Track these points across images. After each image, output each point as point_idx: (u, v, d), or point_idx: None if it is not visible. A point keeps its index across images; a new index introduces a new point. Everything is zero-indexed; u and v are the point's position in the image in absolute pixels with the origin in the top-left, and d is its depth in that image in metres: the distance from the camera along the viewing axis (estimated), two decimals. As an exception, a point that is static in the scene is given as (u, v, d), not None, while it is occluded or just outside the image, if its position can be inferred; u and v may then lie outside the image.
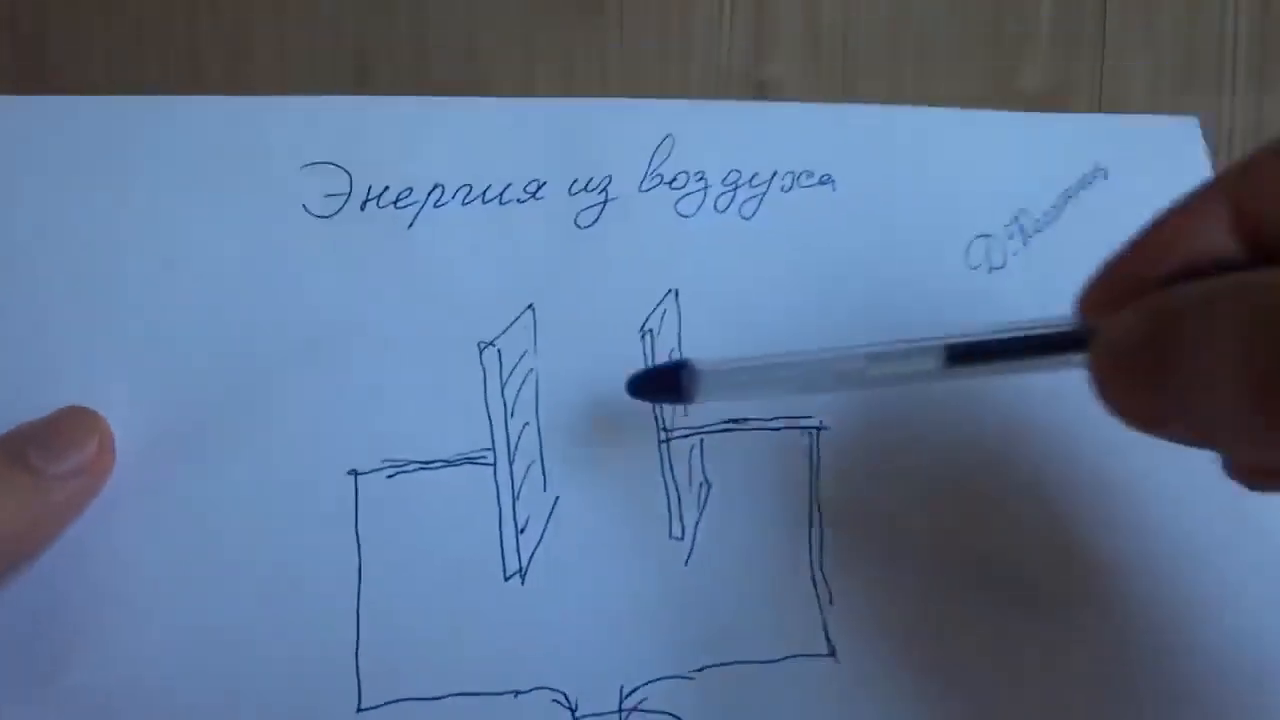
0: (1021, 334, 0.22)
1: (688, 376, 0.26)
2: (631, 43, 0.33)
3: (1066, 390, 0.32)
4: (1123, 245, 0.22)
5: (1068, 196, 0.34)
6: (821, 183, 0.33)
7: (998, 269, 0.33)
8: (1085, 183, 0.35)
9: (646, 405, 0.30)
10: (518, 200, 0.31)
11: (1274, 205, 0.20)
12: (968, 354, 0.23)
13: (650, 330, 0.31)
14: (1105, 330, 0.20)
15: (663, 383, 0.27)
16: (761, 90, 0.34)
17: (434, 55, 0.32)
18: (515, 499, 0.29)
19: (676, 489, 0.30)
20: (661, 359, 0.31)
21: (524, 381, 0.30)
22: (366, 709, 0.27)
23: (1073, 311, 0.23)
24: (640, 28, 0.33)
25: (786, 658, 0.29)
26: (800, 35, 0.34)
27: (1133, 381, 0.20)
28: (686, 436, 0.30)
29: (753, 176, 0.33)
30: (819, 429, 0.31)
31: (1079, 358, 0.21)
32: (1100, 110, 0.36)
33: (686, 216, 0.32)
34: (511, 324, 0.30)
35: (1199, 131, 0.36)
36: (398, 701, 0.27)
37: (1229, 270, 0.19)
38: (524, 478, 0.29)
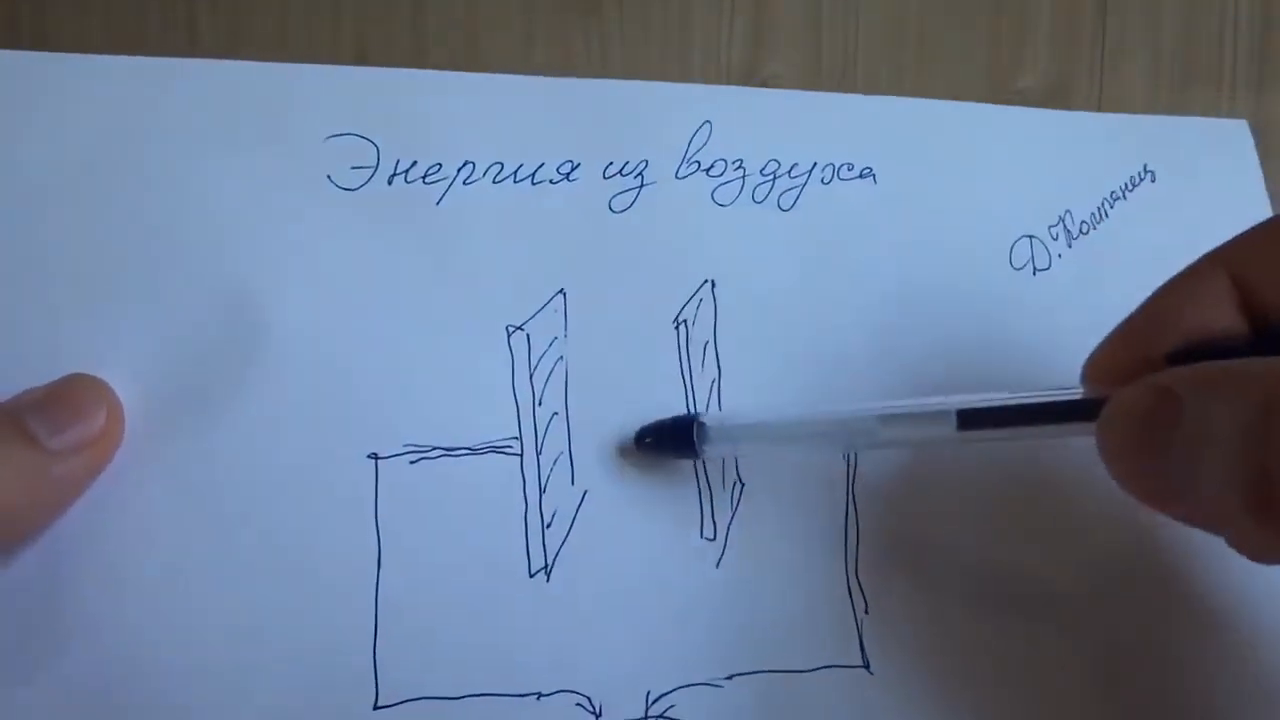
0: (1033, 401, 0.22)
1: (698, 431, 0.26)
2: (631, 42, 0.32)
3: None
4: (1129, 316, 0.22)
5: (1115, 198, 0.33)
6: (862, 176, 0.32)
7: (1043, 271, 0.32)
8: (1132, 185, 0.34)
9: (679, 399, 0.29)
10: (550, 181, 0.30)
11: (1271, 281, 0.20)
12: (980, 419, 0.23)
13: (684, 321, 0.30)
14: (1110, 405, 0.20)
15: (672, 435, 0.27)
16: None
17: (434, 54, 0.31)
18: (542, 492, 0.28)
19: (709, 488, 0.29)
20: (696, 351, 0.30)
21: (553, 369, 0.29)
22: (383, 707, 0.25)
23: (1081, 379, 0.23)
24: (640, 26, 0.32)
25: (819, 668, 0.28)
26: (800, 34, 0.33)
27: (1134, 458, 0.20)
28: (720, 433, 0.29)
29: (792, 167, 0.32)
30: (856, 430, 0.30)
31: (1089, 426, 0.21)
32: (1099, 110, 0.35)
33: (723, 205, 0.31)
34: (542, 308, 0.29)
35: (1249, 134, 0.35)
36: (416, 700, 0.26)
37: (1233, 348, 0.19)
38: (551, 470, 0.28)
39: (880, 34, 0.34)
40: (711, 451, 0.27)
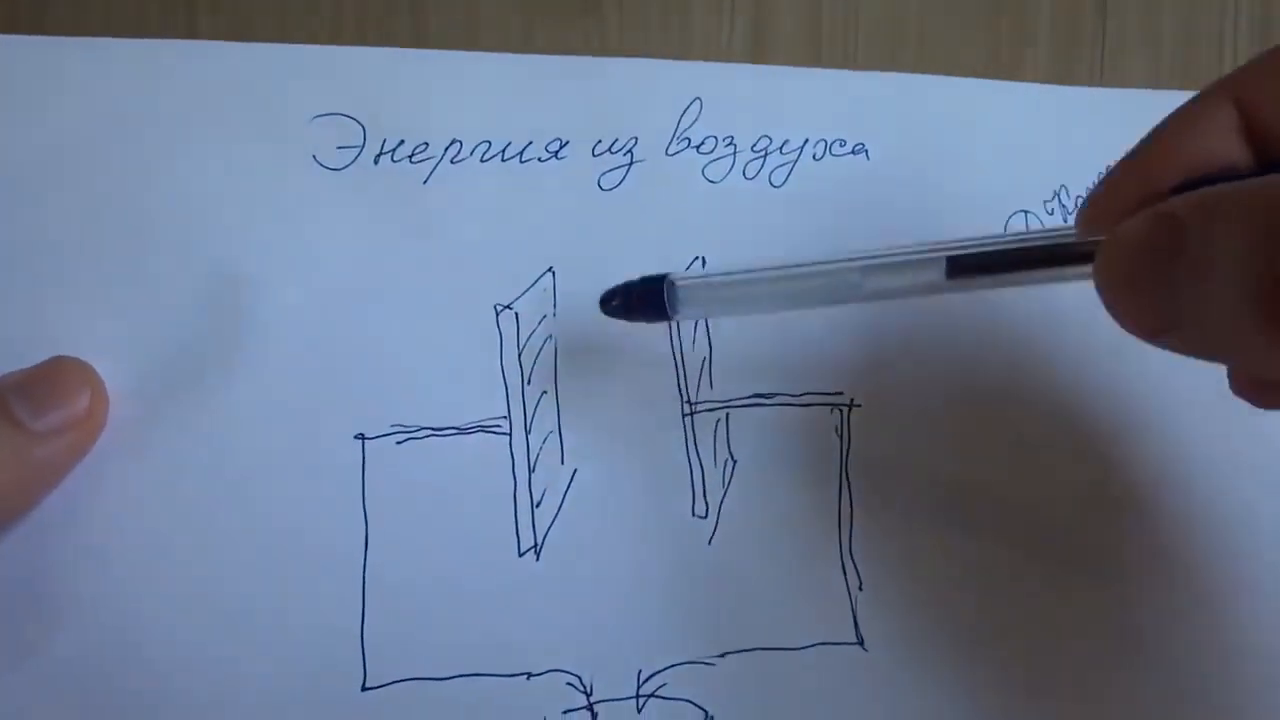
0: (1027, 244, 0.21)
1: (669, 291, 0.25)
2: (631, 42, 0.32)
3: (1104, 370, 0.31)
4: (1125, 155, 0.21)
5: (1108, 173, 0.33)
6: (854, 152, 0.32)
7: (1038, 246, 0.32)
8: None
9: (669, 377, 0.29)
10: (538, 159, 0.29)
11: (1277, 110, 0.20)
12: (971, 265, 0.22)
13: (675, 299, 0.29)
14: (1111, 237, 0.20)
15: (642, 299, 0.25)
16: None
17: (433, 54, 0.30)
18: (531, 471, 0.27)
19: (700, 465, 0.28)
20: (687, 329, 0.29)
21: (542, 347, 0.28)
22: (371, 688, 0.25)
23: (1076, 223, 0.22)
24: (640, 26, 0.32)
25: (813, 645, 0.28)
26: (800, 35, 0.33)
27: (1136, 289, 0.19)
28: (711, 410, 0.29)
29: (784, 143, 0.31)
30: (850, 406, 0.30)
31: (1084, 270, 0.20)
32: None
33: (714, 182, 0.30)
34: (530, 287, 0.29)
35: (1246, 110, 0.34)
36: (404, 681, 0.25)
37: (1237, 178, 0.18)
38: (541, 449, 0.28)
39: (880, 35, 0.33)
40: (685, 313, 0.25)
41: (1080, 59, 0.35)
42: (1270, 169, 0.20)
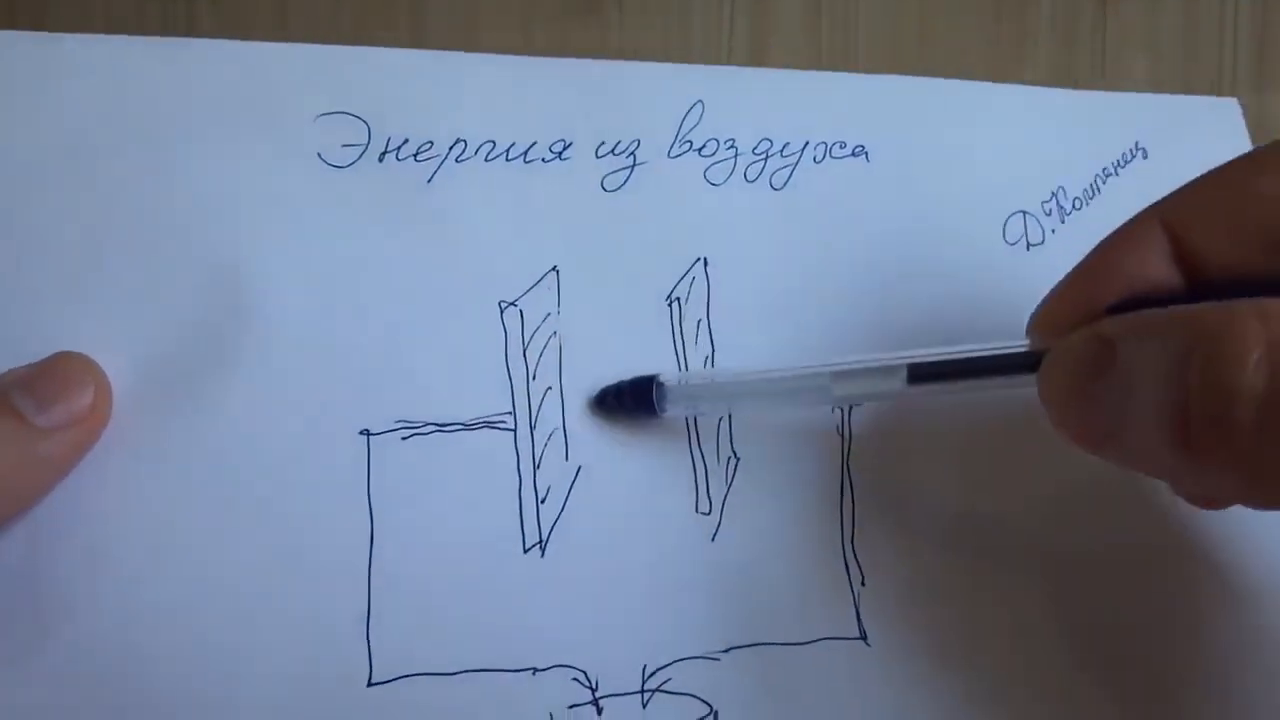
0: (980, 355, 0.23)
1: (657, 391, 0.27)
2: (631, 42, 0.32)
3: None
4: (1070, 272, 0.23)
5: (1107, 175, 0.33)
6: (855, 154, 0.32)
7: (1036, 246, 0.32)
8: (1124, 161, 0.34)
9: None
10: (542, 160, 0.30)
11: (1205, 234, 0.21)
12: (930, 373, 0.24)
13: (678, 299, 0.30)
14: (1050, 354, 0.21)
15: (631, 395, 0.27)
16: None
17: (433, 55, 0.31)
18: (536, 467, 0.28)
19: (704, 462, 0.29)
20: (689, 329, 0.30)
21: (546, 344, 0.28)
22: (377, 683, 0.25)
23: (1026, 333, 0.24)
24: (640, 27, 0.32)
25: (816, 640, 0.28)
26: (800, 35, 0.33)
27: (1073, 403, 0.21)
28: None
29: (784, 146, 0.32)
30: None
31: (1033, 379, 0.22)
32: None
33: (716, 185, 0.31)
34: (534, 285, 0.29)
35: (1240, 113, 0.35)
36: (410, 677, 0.25)
37: (1170, 301, 0.20)
38: (545, 445, 0.28)
39: (880, 35, 0.34)
40: (672, 410, 0.27)
41: (1080, 59, 0.35)
42: (1199, 289, 0.21)
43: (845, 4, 0.33)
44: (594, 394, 0.28)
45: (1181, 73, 0.36)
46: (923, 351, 0.24)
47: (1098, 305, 0.22)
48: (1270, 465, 0.17)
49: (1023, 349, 0.23)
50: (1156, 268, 0.22)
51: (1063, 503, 0.30)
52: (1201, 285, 0.22)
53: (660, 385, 0.27)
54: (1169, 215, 0.22)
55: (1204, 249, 0.22)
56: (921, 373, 0.24)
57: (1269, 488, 0.18)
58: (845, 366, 0.25)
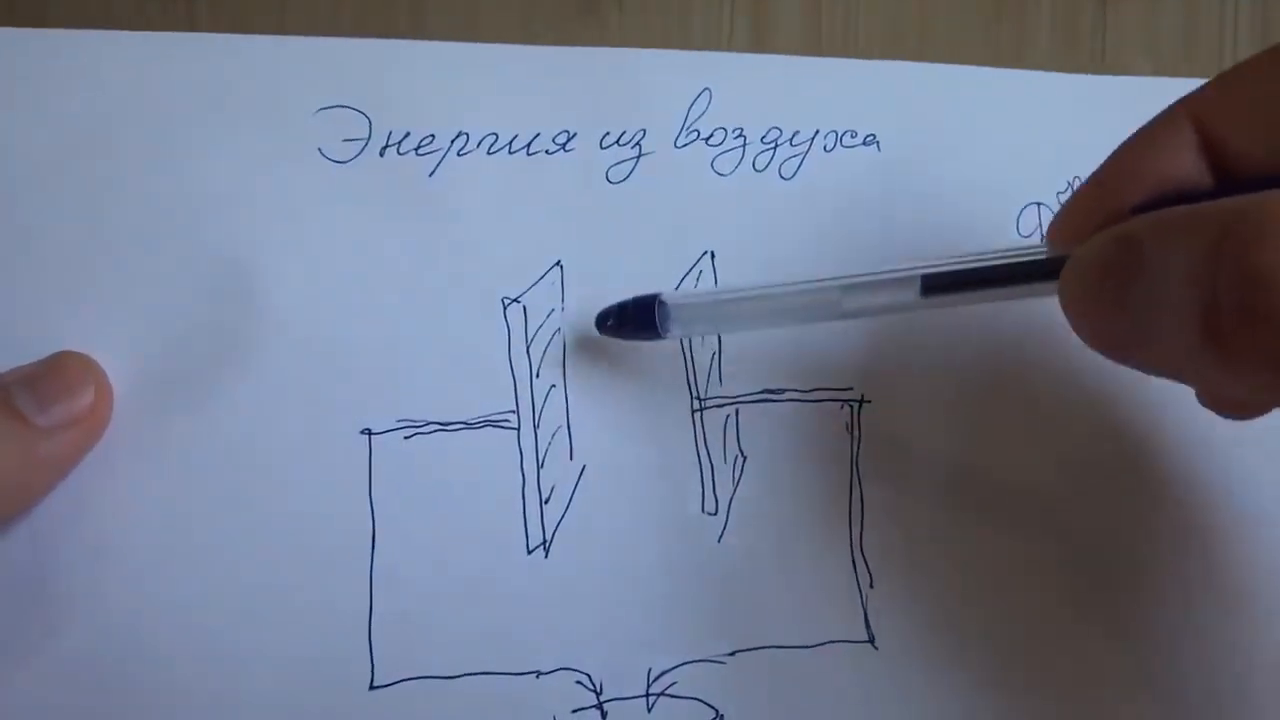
0: (996, 262, 0.22)
1: (660, 311, 0.26)
2: (631, 40, 0.31)
3: (1120, 367, 0.30)
4: (1092, 174, 0.22)
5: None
6: (865, 143, 0.31)
7: (1051, 239, 0.32)
8: (1143, 151, 0.33)
9: (680, 373, 0.29)
10: (546, 151, 0.29)
11: (1236, 128, 0.20)
12: (944, 283, 0.23)
13: (684, 293, 0.29)
14: (1073, 257, 0.20)
15: (635, 318, 0.26)
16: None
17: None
18: (540, 467, 0.27)
19: (710, 461, 0.28)
20: (703, 289, 0.29)
21: (550, 341, 0.28)
22: (379, 686, 0.25)
23: (1045, 240, 0.23)
24: (640, 27, 0.31)
25: (824, 644, 0.28)
26: (800, 35, 0.32)
27: (1096, 308, 0.20)
28: (721, 406, 0.29)
29: (794, 135, 0.31)
30: (860, 402, 0.29)
31: (1053, 286, 0.21)
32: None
33: (723, 175, 0.30)
34: (538, 280, 0.28)
35: (1262, 99, 0.34)
36: (412, 680, 0.25)
37: (1198, 198, 0.18)
38: (549, 444, 0.27)
39: (880, 35, 0.33)
40: (675, 330, 0.26)
41: (1080, 55, 0.34)
42: (1228, 187, 0.20)
43: (845, 7, 0.33)
44: (598, 313, 0.27)
45: (1182, 73, 0.35)
46: (937, 260, 0.23)
47: (1121, 208, 0.21)
48: None
49: (1042, 254, 0.22)
50: (1184, 166, 0.21)
51: (1078, 506, 0.30)
52: (1232, 183, 0.20)
53: (663, 304, 0.26)
54: (1197, 110, 0.21)
55: (1234, 144, 0.20)
56: (936, 283, 0.23)
57: None
58: (856, 279, 0.24)
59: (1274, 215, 0.17)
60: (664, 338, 0.26)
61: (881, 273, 0.23)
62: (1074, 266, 0.20)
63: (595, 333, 0.28)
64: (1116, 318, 0.19)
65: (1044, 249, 0.22)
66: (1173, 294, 0.18)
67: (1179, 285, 0.18)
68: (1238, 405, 0.24)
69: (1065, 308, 0.20)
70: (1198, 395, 0.24)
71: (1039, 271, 0.22)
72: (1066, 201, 0.23)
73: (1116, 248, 0.19)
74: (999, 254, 0.22)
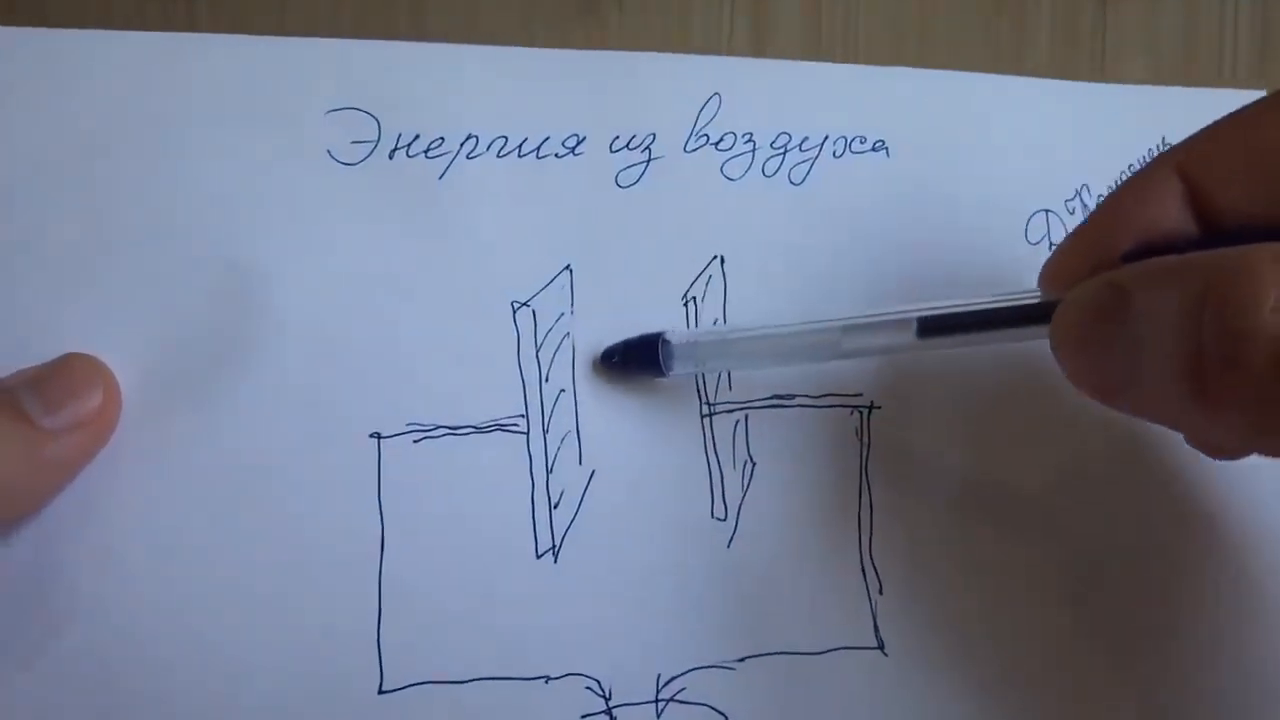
0: (991, 306, 0.23)
1: (663, 349, 0.26)
2: (631, 42, 0.31)
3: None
4: (1083, 221, 0.23)
5: (1133, 170, 0.33)
6: (875, 149, 0.31)
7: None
8: (1150, 156, 0.33)
9: (688, 379, 0.29)
10: (555, 155, 0.29)
11: (1221, 180, 0.21)
12: (940, 326, 0.23)
13: (694, 298, 0.29)
14: (1063, 303, 0.21)
15: (639, 356, 0.27)
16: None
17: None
18: (549, 472, 0.27)
19: (719, 467, 0.28)
20: (705, 328, 0.29)
21: (560, 345, 0.28)
22: (388, 691, 0.25)
23: (1038, 285, 0.23)
24: (639, 27, 0.31)
25: (833, 650, 0.27)
26: (800, 35, 0.32)
27: (1085, 352, 0.20)
28: (730, 411, 0.29)
29: (803, 140, 0.31)
30: (870, 408, 0.29)
31: (1045, 330, 0.22)
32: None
33: (733, 180, 0.30)
34: (548, 284, 0.28)
35: (1270, 107, 0.34)
36: (421, 684, 0.25)
37: (1184, 249, 0.19)
38: (559, 449, 0.27)
39: (880, 36, 0.33)
40: (678, 369, 0.27)
41: (1080, 55, 0.34)
42: (1214, 237, 0.21)
43: (845, 8, 0.33)
44: (599, 353, 0.28)
45: (1182, 73, 0.35)
46: (933, 304, 0.24)
47: (1111, 254, 0.21)
48: None
49: (1035, 299, 0.23)
50: (1171, 216, 0.21)
51: (1089, 513, 0.30)
52: (1218, 234, 0.21)
53: (666, 343, 0.27)
54: (1184, 161, 0.22)
55: (1220, 196, 0.21)
56: (932, 325, 0.23)
57: None
58: (855, 321, 0.25)
59: (1255, 269, 0.17)
60: (666, 376, 0.27)
61: (880, 314, 0.24)
62: (1064, 311, 0.21)
63: (605, 338, 0.28)
64: (1104, 362, 0.20)
65: (1037, 294, 0.23)
66: (1159, 341, 0.18)
67: (1165, 333, 0.18)
68: (1221, 449, 0.25)
69: (1055, 350, 0.21)
70: (1185, 437, 0.24)
71: (1032, 315, 0.22)
72: (1057, 247, 0.23)
73: (1105, 294, 0.20)
74: (994, 298, 0.23)
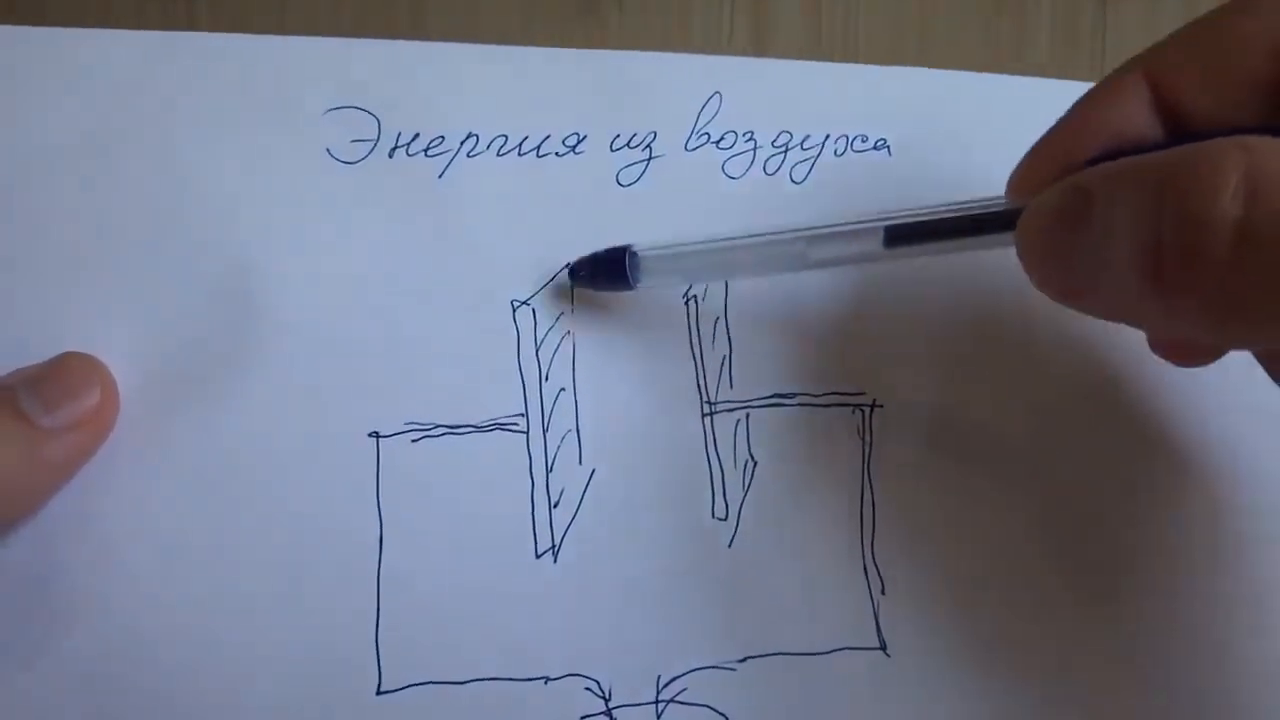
0: (957, 213, 0.23)
1: (630, 260, 0.26)
2: (631, 41, 0.31)
3: (1133, 374, 0.30)
4: (1050, 128, 0.23)
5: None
6: (876, 148, 0.31)
7: (1063, 244, 0.31)
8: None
9: (689, 376, 0.29)
10: (556, 154, 0.29)
11: (1187, 83, 0.21)
12: (907, 234, 0.23)
13: (694, 297, 0.29)
14: (1028, 207, 0.21)
15: (607, 269, 0.27)
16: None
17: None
18: (549, 471, 0.27)
19: (720, 466, 0.28)
20: (706, 328, 0.29)
21: (560, 344, 0.28)
22: (386, 692, 0.25)
23: (1006, 193, 0.23)
24: (639, 27, 0.31)
25: (835, 650, 0.27)
26: (800, 35, 0.32)
27: (1050, 255, 0.20)
28: (731, 410, 0.28)
29: (804, 139, 0.31)
30: (872, 406, 0.29)
31: (1011, 237, 0.22)
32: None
33: (734, 178, 0.30)
34: (547, 283, 0.28)
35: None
36: (420, 685, 0.25)
37: (1148, 151, 0.19)
38: (559, 448, 0.27)
39: (880, 36, 0.33)
40: (646, 281, 0.26)
41: (1080, 55, 0.34)
42: (1179, 141, 0.20)
43: (845, 8, 0.33)
44: (569, 268, 0.28)
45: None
46: (900, 211, 0.24)
47: (1077, 160, 0.21)
48: (1245, 297, 0.17)
49: (1001, 206, 0.23)
50: (1138, 120, 0.21)
51: (1090, 512, 0.30)
52: (1183, 137, 0.21)
53: (634, 255, 0.26)
54: (1151, 66, 0.22)
55: (1187, 100, 0.21)
56: (898, 233, 0.23)
57: (1243, 322, 0.18)
58: (821, 230, 0.24)
59: (1212, 161, 0.17)
60: (634, 288, 0.27)
61: (846, 224, 0.24)
62: (1029, 216, 0.21)
63: (606, 336, 0.28)
64: (1068, 264, 0.20)
65: (1004, 201, 0.23)
66: (1120, 240, 0.18)
67: (1125, 231, 0.18)
68: (1185, 351, 0.25)
69: (1021, 255, 0.21)
70: (1149, 342, 0.25)
71: (999, 222, 0.22)
72: (1025, 155, 0.23)
73: (1068, 197, 0.20)
74: (961, 205, 0.23)
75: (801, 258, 0.25)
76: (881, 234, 0.23)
